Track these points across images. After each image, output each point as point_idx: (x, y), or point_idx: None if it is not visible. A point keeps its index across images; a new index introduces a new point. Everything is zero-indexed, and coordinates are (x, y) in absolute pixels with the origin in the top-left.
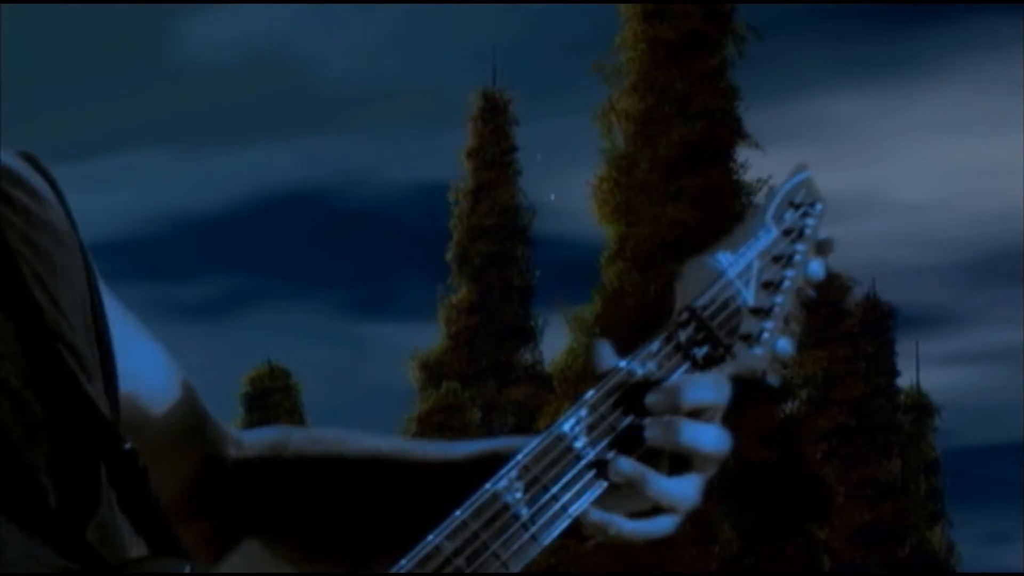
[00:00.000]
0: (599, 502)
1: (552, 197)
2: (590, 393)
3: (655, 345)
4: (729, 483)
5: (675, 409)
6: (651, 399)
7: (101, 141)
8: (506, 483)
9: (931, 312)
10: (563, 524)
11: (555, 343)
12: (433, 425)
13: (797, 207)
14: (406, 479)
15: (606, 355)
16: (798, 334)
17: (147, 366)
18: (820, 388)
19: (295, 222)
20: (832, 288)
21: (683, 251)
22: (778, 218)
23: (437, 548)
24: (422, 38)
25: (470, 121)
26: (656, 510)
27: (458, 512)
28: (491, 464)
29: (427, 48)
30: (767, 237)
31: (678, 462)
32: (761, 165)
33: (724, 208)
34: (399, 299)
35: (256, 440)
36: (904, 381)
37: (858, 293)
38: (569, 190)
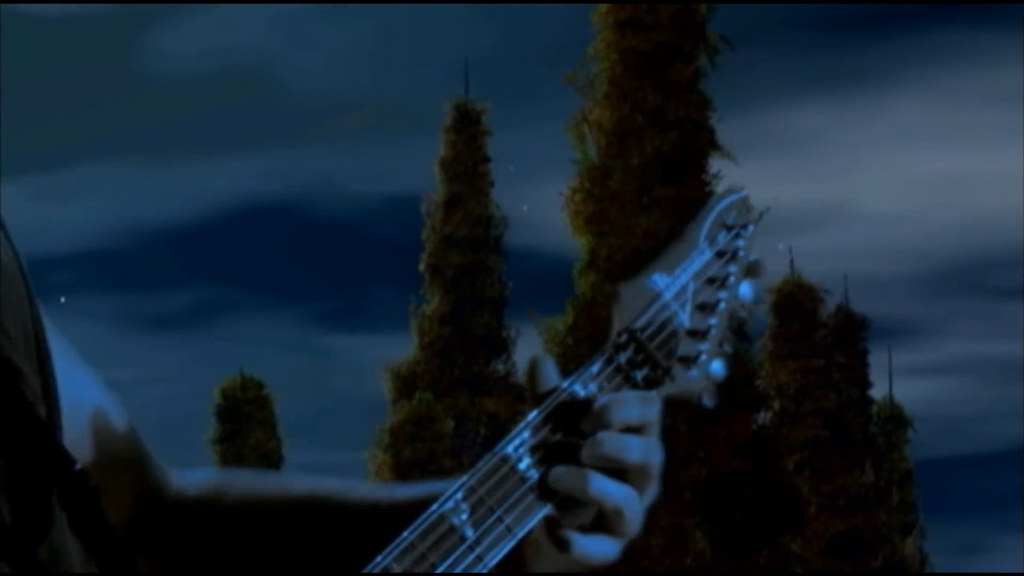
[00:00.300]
0: (545, 524)
1: (525, 208)
2: (533, 414)
3: (596, 367)
4: (702, 494)
5: (605, 428)
6: (585, 423)
7: (71, 152)
8: (452, 504)
9: (902, 323)
10: (508, 545)
11: (528, 354)
12: (406, 436)
13: (730, 228)
14: (347, 521)
15: (548, 375)
16: (730, 356)
17: (87, 398)
18: (793, 399)
19: (265, 233)
20: (805, 299)
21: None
22: (711, 239)
23: (385, 570)
24: (393, 49)
25: (443, 131)
26: (601, 527)
27: (405, 533)
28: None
29: (398, 59)
30: (701, 259)
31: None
32: (735, 176)
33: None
34: (369, 310)
35: (197, 480)
36: (877, 392)
37: (831, 304)
38: (542, 201)
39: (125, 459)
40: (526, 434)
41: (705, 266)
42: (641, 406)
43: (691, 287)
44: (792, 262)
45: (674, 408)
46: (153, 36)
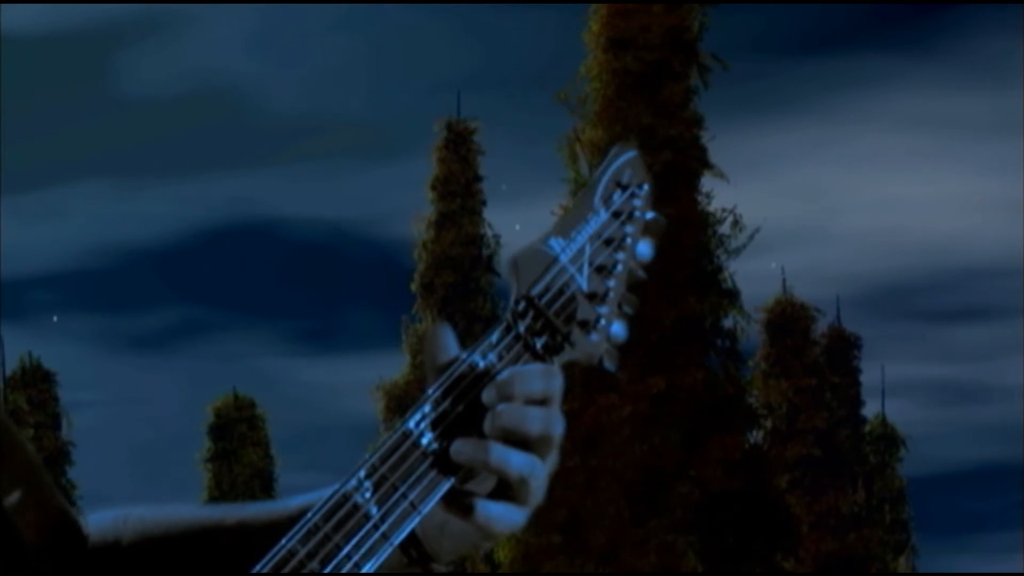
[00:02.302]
0: (447, 495)
1: (517, 227)
2: (432, 388)
3: (495, 336)
4: (694, 512)
5: (507, 401)
6: (486, 395)
7: (47, 173)
8: (355, 483)
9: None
10: (414, 521)
11: None
12: None
13: (624, 188)
14: (240, 540)
15: (448, 345)
16: (631, 317)
17: None
18: (785, 418)
19: (242, 254)
20: (797, 318)
21: (648, 281)
22: (606, 200)
23: (290, 552)
24: (371, 70)
25: (434, 151)
26: (505, 496)
27: (309, 515)
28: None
29: (376, 80)
30: (597, 220)
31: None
32: (727, 195)
33: (689, 238)
34: (348, 330)
35: (98, 520)
36: (870, 411)
37: (823, 323)
38: (534, 220)
39: (31, 490)
40: (427, 408)
41: (601, 227)
42: (543, 379)
43: (588, 249)
44: (784, 281)
45: (666, 427)
46: (128, 57)
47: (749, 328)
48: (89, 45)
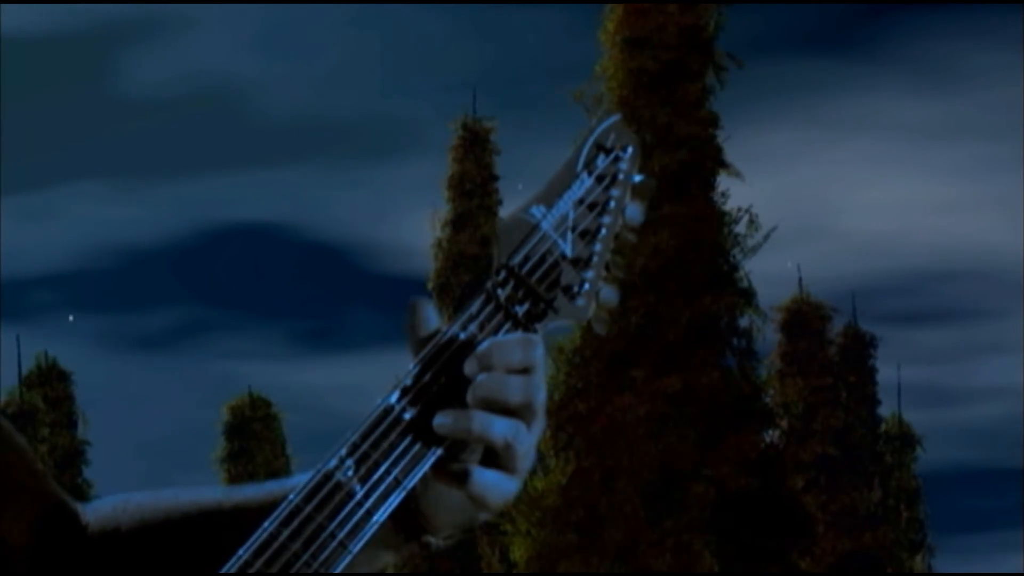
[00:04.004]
0: (436, 467)
1: None
2: (413, 364)
3: (475, 307)
4: (710, 512)
5: (488, 371)
6: (467, 367)
7: (47, 174)
8: (336, 462)
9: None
10: (398, 497)
11: None
12: None
13: (608, 152)
14: (237, 522)
15: (428, 318)
16: (620, 281)
17: None
18: (801, 417)
19: (250, 253)
20: (813, 317)
21: (664, 280)
22: (589, 165)
23: (272, 535)
24: (387, 68)
25: (450, 150)
26: (492, 464)
27: (291, 496)
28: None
29: (393, 78)
30: (580, 186)
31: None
32: (743, 194)
33: (706, 237)
34: (357, 330)
35: (96, 508)
36: (885, 410)
37: (839, 322)
38: None
39: (21, 482)
40: (408, 382)
41: (585, 192)
42: (523, 349)
43: (571, 215)
44: (801, 280)
45: (682, 427)
46: (129, 58)
47: (765, 327)
48: (89, 46)
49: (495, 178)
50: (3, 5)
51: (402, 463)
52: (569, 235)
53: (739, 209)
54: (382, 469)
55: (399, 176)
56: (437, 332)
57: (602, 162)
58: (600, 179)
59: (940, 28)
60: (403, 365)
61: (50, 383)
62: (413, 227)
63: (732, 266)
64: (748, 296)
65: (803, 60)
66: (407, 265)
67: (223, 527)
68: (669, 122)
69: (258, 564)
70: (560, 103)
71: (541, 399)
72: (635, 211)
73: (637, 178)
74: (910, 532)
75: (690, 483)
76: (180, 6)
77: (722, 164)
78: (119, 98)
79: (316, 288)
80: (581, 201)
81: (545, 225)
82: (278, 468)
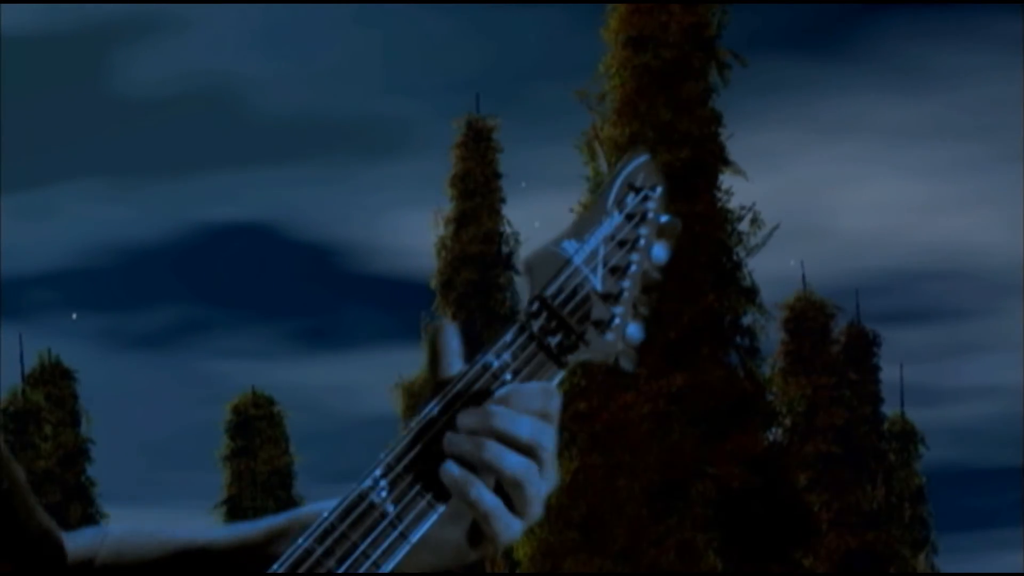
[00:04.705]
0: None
1: (537, 224)
2: (448, 387)
3: (509, 336)
4: (713, 510)
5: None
6: (489, 403)
7: (43, 172)
8: (371, 482)
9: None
10: (431, 519)
11: None
12: None
13: (637, 191)
14: (205, 561)
15: (454, 347)
16: (647, 318)
17: None
18: (804, 415)
19: (245, 252)
20: (816, 316)
21: (667, 278)
22: (619, 203)
23: (307, 551)
24: (389, 67)
25: (453, 148)
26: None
27: (325, 514)
28: (291, 532)
29: (395, 77)
30: (610, 223)
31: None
32: (746, 192)
33: (709, 235)
34: (356, 328)
35: (76, 542)
36: (888, 408)
37: (842, 320)
38: (553, 217)
39: (12, 512)
40: (440, 407)
41: (615, 229)
42: (542, 397)
43: (602, 251)
44: (804, 278)
45: (685, 425)
46: (126, 57)
47: (768, 326)
48: (88, 44)
49: (498, 176)
50: (2, 5)
51: (436, 486)
52: (600, 270)
53: (742, 207)
54: (415, 491)
55: (399, 174)
56: (452, 357)
57: (631, 200)
58: (629, 217)
59: (916, 28)
60: (401, 364)
61: (53, 381)
62: (413, 225)
63: (735, 264)
64: (751, 294)
65: (783, 60)
66: (407, 264)
67: (191, 565)
68: (672, 120)
69: None
70: (562, 101)
71: (550, 446)
72: (661, 251)
73: (664, 218)
74: (913, 530)
75: (693, 481)
76: (180, 5)
77: (725, 162)
78: (118, 97)
79: (315, 287)
80: (611, 238)
81: (577, 260)
82: (281, 466)
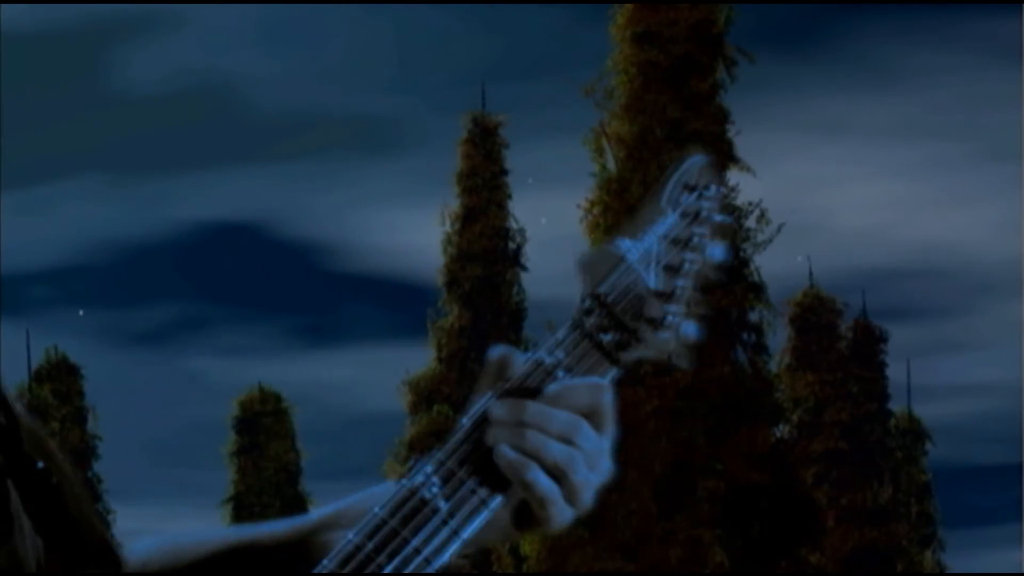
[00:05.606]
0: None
1: (544, 221)
2: (504, 384)
3: (561, 333)
4: (720, 506)
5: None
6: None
7: (40, 168)
8: (422, 478)
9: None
10: (483, 516)
11: None
12: (425, 449)
13: (692, 190)
14: (255, 558)
15: (511, 357)
16: (702, 317)
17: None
18: (812, 411)
19: (238, 250)
20: (823, 311)
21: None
22: (674, 202)
23: (357, 547)
24: (394, 62)
25: (459, 144)
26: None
27: (377, 510)
28: (343, 523)
29: (401, 72)
30: (666, 221)
31: None
32: (752, 189)
33: None
34: (357, 325)
35: (134, 550)
36: (895, 404)
37: (849, 316)
38: (561, 214)
39: (77, 516)
40: (489, 405)
41: (671, 228)
42: (589, 394)
43: (657, 249)
44: (811, 274)
45: (692, 421)
46: (124, 53)
47: (775, 322)
48: (87, 41)
49: (505, 172)
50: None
51: (488, 482)
52: (654, 268)
53: (749, 203)
54: (467, 487)
55: (401, 171)
56: (526, 360)
57: (686, 199)
58: (685, 216)
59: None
60: (402, 361)
61: (60, 377)
62: (415, 222)
63: (742, 260)
64: (759, 290)
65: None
66: (409, 260)
67: (247, 557)
68: (679, 117)
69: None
70: (569, 97)
71: (588, 444)
72: (718, 251)
73: (719, 217)
74: (920, 527)
75: (700, 477)
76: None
77: (733, 159)
78: (118, 94)
79: (317, 283)
80: (666, 236)
81: (631, 257)
82: (288, 462)
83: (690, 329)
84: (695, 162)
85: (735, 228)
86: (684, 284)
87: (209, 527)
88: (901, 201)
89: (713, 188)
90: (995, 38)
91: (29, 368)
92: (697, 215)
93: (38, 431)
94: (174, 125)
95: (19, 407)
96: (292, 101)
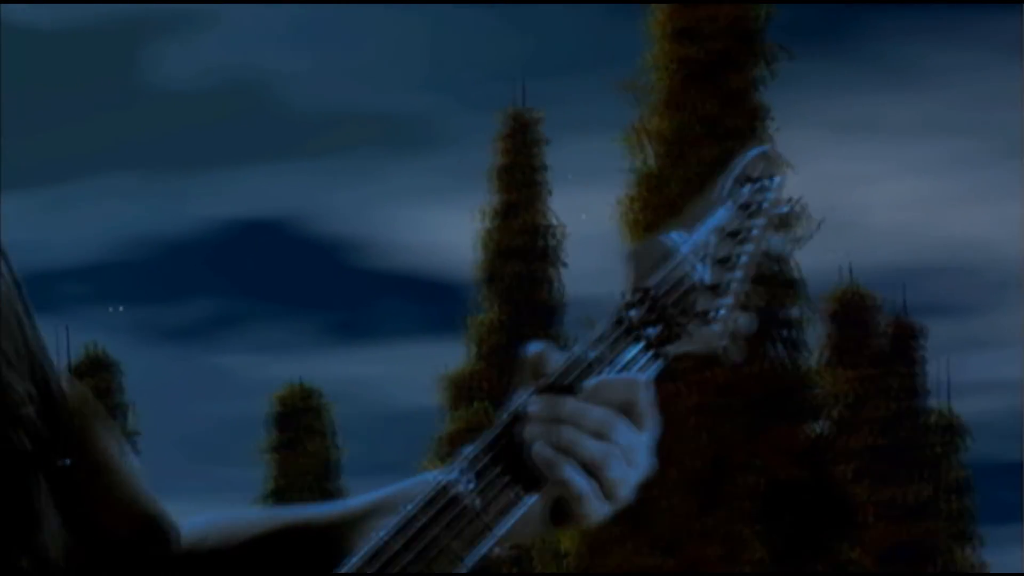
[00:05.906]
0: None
1: (583, 217)
2: (543, 380)
3: (602, 328)
4: (759, 502)
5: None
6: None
7: (74, 165)
8: (456, 474)
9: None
10: (518, 512)
11: None
12: (463, 445)
13: (754, 181)
14: (306, 539)
15: (549, 353)
16: (759, 309)
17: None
18: (850, 408)
19: (272, 245)
20: (861, 307)
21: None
22: (734, 193)
23: (387, 544)
24: (430, 58)
25: (497, 140)
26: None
27: (409, 507)
28: (397, 505)
29: (436, 68)
30: (721, 214)
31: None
32: (789, 185)
33: None
34: (381, 321)
35: (189, 526)
36: (934, 400)
37: (888, 312)
38: (600, 209)
39: (135, 490)
40: (526, 402)
41: (727, 220)
42: (626, 390)
43: (711, 242)
44: (851, 271)
45: (730, 417)
46: (157, 50)
47: (814, 318)
48: (121, 38)
49: (543, 168)
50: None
51: (522, 478)
52: (708, 261)
53: (788, 199)
54: (502, 483)
55: (435, 168)
56: (567, 356)
57: (747, 191)
58: (744, 208)
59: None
60: (437, 357)
61: (98, 373)
62: (448, 218)
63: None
64: (798, 287)
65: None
66: (442, 256)
67: (293, 543)
68: (718, 112)
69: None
70: (605, 93)
71: (622, 439)
72: (778, 242)
73: (783, 208)
74: (958, 523)
75: (739, 473)
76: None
77: None
78: (151, 91)
79: (349, 279)
80: (721, 229)
81: (684, 250)
82: (327, 458)
83: (744, 322)
84: (758, 152)
85: (796, 219)
86: (739, 277)
87: (263, 508)
88: (926, 198)
89: (777, 179)
90: (1016, 35)
91: (69, 365)
92: (758, 207)
93: (88, 413)
94: (207, 122)
95: (73, 386)
96: (324, 98)
